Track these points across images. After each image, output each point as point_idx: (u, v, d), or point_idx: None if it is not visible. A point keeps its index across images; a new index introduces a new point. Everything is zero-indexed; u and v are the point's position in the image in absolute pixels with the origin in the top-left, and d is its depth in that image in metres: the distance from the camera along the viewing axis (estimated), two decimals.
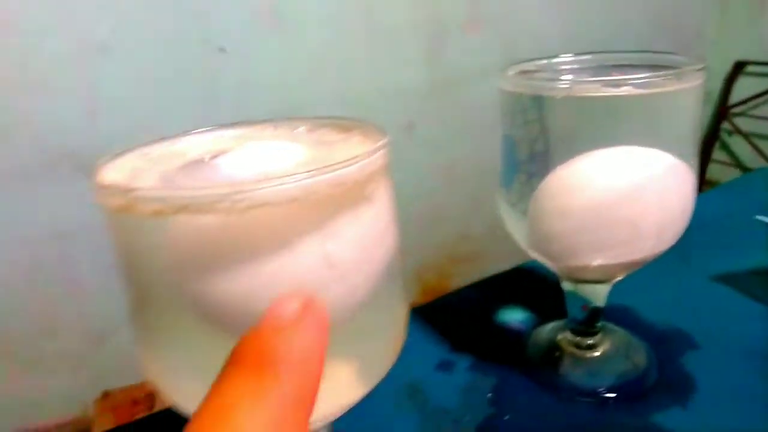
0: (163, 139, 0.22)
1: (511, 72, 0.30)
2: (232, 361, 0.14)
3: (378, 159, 0.19)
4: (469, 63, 0.89)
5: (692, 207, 0.28)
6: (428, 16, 0.86)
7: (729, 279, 0.40)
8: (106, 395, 0.81)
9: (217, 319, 0.18)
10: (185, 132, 0.22)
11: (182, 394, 0.20)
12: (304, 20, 0.76)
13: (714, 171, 1.21)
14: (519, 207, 0.29)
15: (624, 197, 0.26)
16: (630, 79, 0.25)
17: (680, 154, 0.27)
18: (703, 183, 1.24)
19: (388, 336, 0.21)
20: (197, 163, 0.19)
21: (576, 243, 0.28)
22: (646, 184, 0.26)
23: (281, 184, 0.16)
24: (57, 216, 0.70)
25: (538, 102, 0.27)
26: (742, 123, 1.17)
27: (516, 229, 0.30)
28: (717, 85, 1.21)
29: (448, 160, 0.95)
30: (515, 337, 0.36)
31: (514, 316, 0.38)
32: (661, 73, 0.25)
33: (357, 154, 0.17)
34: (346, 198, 0.18)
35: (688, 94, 0.26)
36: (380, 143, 0.19)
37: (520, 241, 0.30)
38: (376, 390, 0.32)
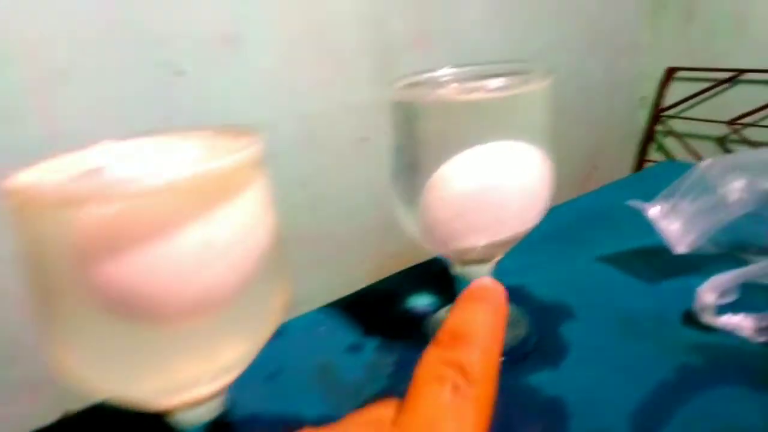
0: (72, 149, 0.25)
1: (399, 84, 0.35)
2: (466, 297, 0.19)
3: (249, 157, 0.23)
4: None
5: (550, 188, 0.33)
6: (377, 35, 0.91)
7: (612, 259, 0.45)
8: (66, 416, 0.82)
9: (112, 303, 0.21)
10: (97, 142, 0.26)
11: (91, 382, 0.22)
12: (259, 43, 0.80)
13: None
14: (406, 203, 0.34)
15: (488, 185, 0.31)
16: (483, 85, 0.30)
17: (535, 144, 0.32)
18: None
19: (264, 315, 0.25)
20: (93, 171, 0.23)
21: (454, 228, 0.32)
22: (506, 172, 0.31)
23: (164, 177, 0.19)
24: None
25: (413, 109, 0.32)
26: (676, 125, 1.24)
27: (408, 224, 0.35)
28: (652, 90, 1.28)
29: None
30: (419, 319, 0.40)
31: (419, 302, 0.42)
32: (507, 79, 0.30)
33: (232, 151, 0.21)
34: (224, 189, 0.21)
35: (534, 95, 0.31)
36: (249, 143, 0.23)
37: (413, 234, 0.35)
38: (289, 371, 0.36)
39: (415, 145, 0.32)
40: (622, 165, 1.35)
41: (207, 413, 0.26)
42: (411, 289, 0.44)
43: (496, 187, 0.31)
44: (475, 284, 0.20)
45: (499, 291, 0.20)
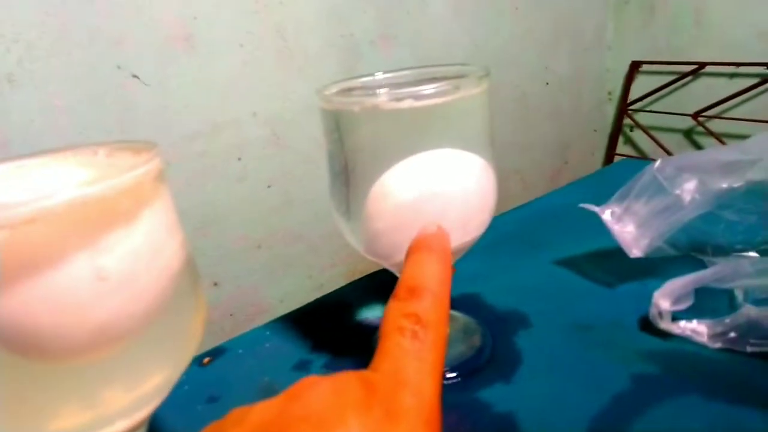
0: None
1: (331, 90, 0.33)
2: (415, 249, 0.24)
3: (145, 175, 0.21)
4: None
5: (494, 199, 0.32)
6: (340, 34, 0.89)
7: (569, 263, 0.44)
8: None
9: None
10: None
11: None
12: (218, 44, 0.78)
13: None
14: (343, 214, 0.32)
15: (425, 197, 0.29)
16: (411, 93, 0.28)
17: (475, 151, 0.30)
18: None
19: (181, 339, 0.23)
20: None
21: (393, 241, 0.30)
22: (444, 181, 0.29)
23: (46, 202, 0.17)
24: None
25: (343, 117, 0.30)
26: (642, 118, 1.25)
27: (347, 234, 0.33)
28: (618, 84, 1.29)
29: None
30: (371, 333, 0.39)
31: (370, 314, 0.41)
32: (436, 85, 0.28)
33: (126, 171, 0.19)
34: (111, 213, 0.19)
35: (469, 101, 0.30)
36: (143, 160, 0.21)
37: (353, 244, 0.33)
38: (231, 393, 0.34)
39: (347, 155, 0.30)
40: (593, 159, 1.35)
41: None
42: (362, 300, 0.43)
43: (435, 197, 0.29)
44: (421, 233, 0.25)
45: (443, 237, 0.25)
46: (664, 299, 0.33)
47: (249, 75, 0.81)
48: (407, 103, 0.28)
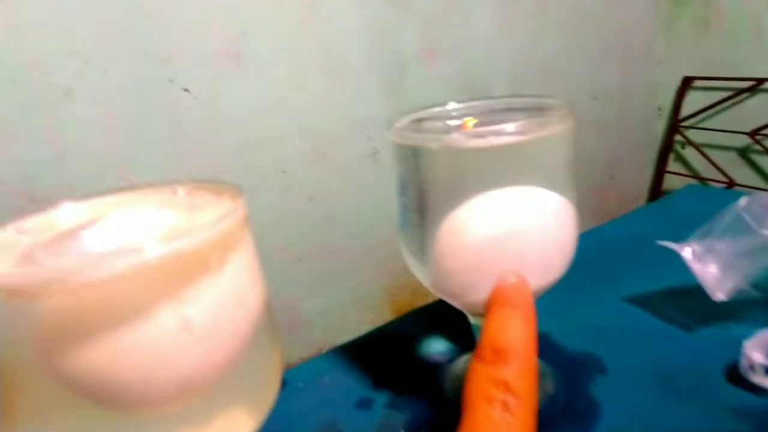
0: (41, 208, 0.23)
1: (403, 121, 0.32)
2: (497, 303, 0.23)
3: (231, 223, 0.20)
4: (429, 91, 0.91)
5: (575, 239, 0.30)
6: (385, 49, 0.89)
7: (641, 301, 0.41)
8: None
9: (83, 391, 0.18)
10: (66, 199, 0.23)
11: None
12: (264, 59, 0.79)
13: (671, 181, 1.24)
14: (414, 249, 0.30)
15: (504, 236, 0.27)
16: (493, 130, 0.26)
17: (555, 189, 0.28)
18: (660, 194, 1.27)
19: (261, 385, 0.22)
20: (63, 236, 0.20)
21: (467, 280, 0.29)
22: (524, 221, 0.28)
23: (138, 256, 0.17)
24: None
25: (418, 152, 0.29)
26: (694, 135, 1.20)
27: (417, 270, 0.31)
28: (668, 100, 1.24)
29: None
30: (434, 370, 0.37)
31: (434, 348, 0.39)
32: (523, 120, 0.27)
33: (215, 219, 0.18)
34: (200, 264, 0.19)
35: (553, 139, 0.28)
36: (231, 209, 0.20)
37: (423, 281, 0.31)
38: (295, 427, 0.33)
39: (422, 190, 0.29)
40: (641, 175, 1.31)
41: None
42: (424, 333, 0.41)
43: (514, 235, 0.28)
44: (502, 284, 0.24)
45: (525, 289, 0.23)
46: (757, 350, 0.31)
47: (295, 90, 0.81)
48: (488, 141, 0.26)
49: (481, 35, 1.00)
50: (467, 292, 0.30)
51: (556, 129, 0.28)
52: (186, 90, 0.75)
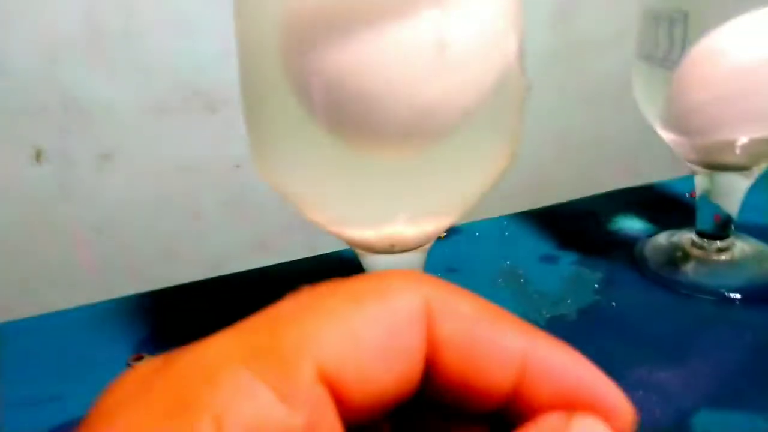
0: None
1: None
2: None
3: None
4: (602, 27, 0.84)
5: None
6: None
7: None
8: None
9: (320, 105, 0.17)
10: None
11: (296, 193, 0.20)
12: None
13: None
14: (657, 79, 0.27)
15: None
16: None
17: None
18: None
19: (492, 151, 0.20)
20: None
21: (719, 114, 0.25)
22: None
23: None
24: (183, 151, 0.76)
25: None
26: None
27: (651, 107, 0.28)
28: None
29: (562, 130, 0.91)
30: (629, 241, 0.33)
31: (627, 225, 0.35)
32: None
33: None
34: None
35: None
36: None
37: (655, 121, 0.28)
38: (467, 270, 0.32)
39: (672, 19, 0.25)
40: None
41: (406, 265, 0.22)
42: (614, 212, 0.37)
43: None
44: None
45: None
46: None
47: None
48: None
49: None
50: (712, 129, 0.26)
51: None
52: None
